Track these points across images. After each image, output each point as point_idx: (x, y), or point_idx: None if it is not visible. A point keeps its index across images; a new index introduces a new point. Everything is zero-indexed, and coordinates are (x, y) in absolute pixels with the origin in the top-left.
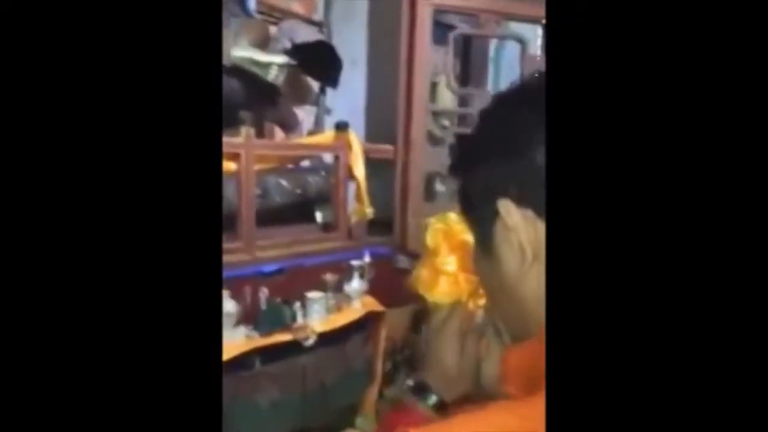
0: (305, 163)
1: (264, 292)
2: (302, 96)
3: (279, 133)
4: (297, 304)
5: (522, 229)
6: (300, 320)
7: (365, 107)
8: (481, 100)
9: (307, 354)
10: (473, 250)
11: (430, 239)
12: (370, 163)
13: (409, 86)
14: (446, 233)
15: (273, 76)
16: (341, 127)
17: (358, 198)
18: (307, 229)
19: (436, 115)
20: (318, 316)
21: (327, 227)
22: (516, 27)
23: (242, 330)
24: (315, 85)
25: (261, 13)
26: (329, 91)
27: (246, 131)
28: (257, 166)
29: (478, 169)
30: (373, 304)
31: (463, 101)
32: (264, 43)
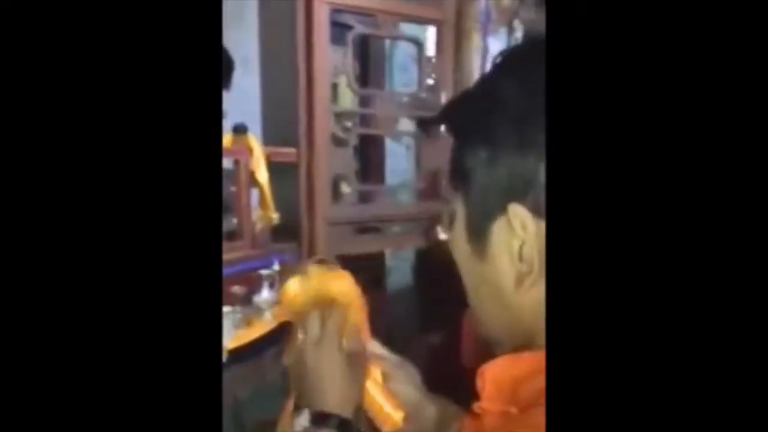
0: None
1: None
2: None
3: None
4: None
5: (532, 242)
6: None
7: (261, 109)
8: (381, 101)
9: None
10: (461, 246)
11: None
12: (271, 168)
13: (310, 87)
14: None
15: None
16: (239, 130)
17: (263, 203)
18: None
19: (338, 116)
20: (227, 333)
21: (230, 236)
22: (410, 28)
23: None
24: None
25: None
26: (223, 93)
27: None
28: None
29: (487, 150)
30: (283, 315)
31: (363, 102)
32: None
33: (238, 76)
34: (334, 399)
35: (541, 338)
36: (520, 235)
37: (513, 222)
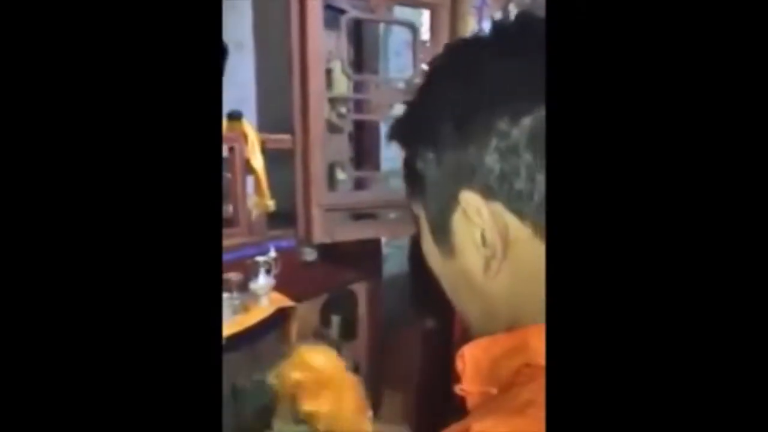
0: None
1: None
2: None
3: None
4: None
5: (490, 226)
6: None
7: (256, 95)
8: (376, 86)
9: None
10: (428, 241)
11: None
12: (267, 154)
13: (304, 73)
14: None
15: None
16: (234, 116)
17: (258, 190)
18: None
19: (333, 101)
20: (224, 319)
21: (226, 223)
22: (404, 12)
23: None
24: None
25: None
26: None
27: None
28: None
29: (433, 150)
30: (281, 300)
31: (357, 88)
32: None
33: (232, 62)
34: None
35: (516, 319)
36: (477, 222)
37: (468, 211)
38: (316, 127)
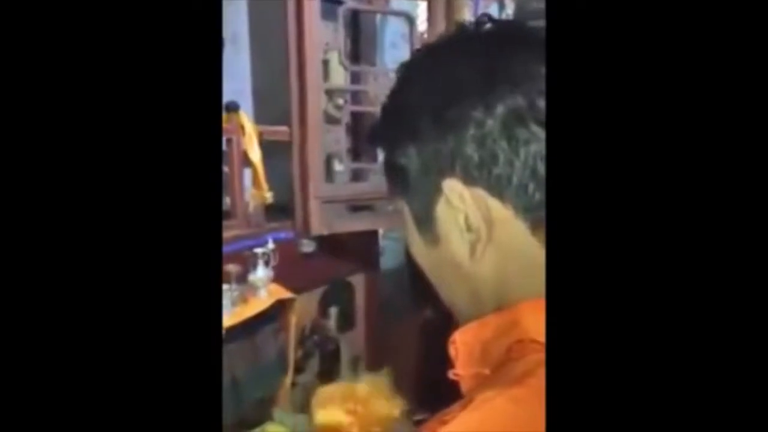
0: None
1: None
2: None
3: None
4: None
5: (473, 210)
6: None
7: (252, 87)
8: (374, 78)
9: None
10: (413, 234)
11: None
12: (264, 146)
13: (301, 64)
14: None
15: None
16: (231, 108)
17: (256, 183)
18: None
19: (330, 93)
20: (224, 310)
21: (225, 216)
22: (401, 3)
23: None
24: None
25: None
26: None
27: None
28: None
29: (410, 144)
30: (280, 292)
31: (354, 78)
32: None
33: (228, 54)
34: None
35: (504, 299)
36: (461, 208)
37: (451, 197)
38: (313, 119)
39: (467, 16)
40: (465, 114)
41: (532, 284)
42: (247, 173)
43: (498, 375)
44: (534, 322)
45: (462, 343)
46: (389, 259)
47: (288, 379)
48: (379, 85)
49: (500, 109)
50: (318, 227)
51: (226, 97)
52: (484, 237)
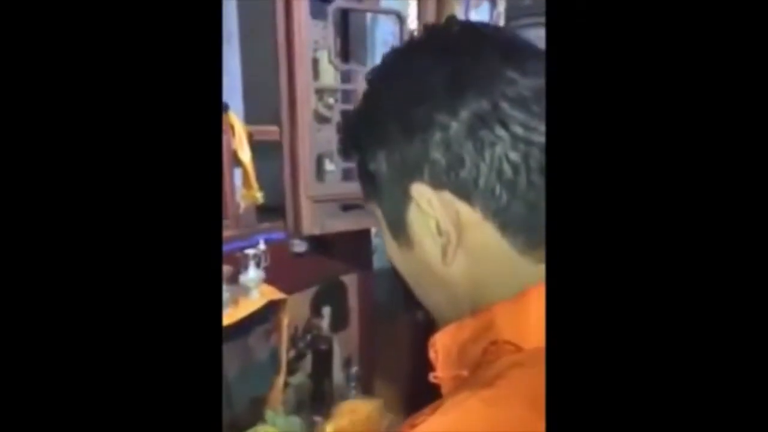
0: None
1: None
2: None
3: None
4: None
5: (442, 214)
6: None
7: (242, 87)
8: (363, 77)
9: None
10: (388, 239)
11: None
12: (255, 146)
13: (290, 64)
14: None
15: None
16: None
17: (246, 183)
18: None
19: (320, 92)
20: None
21: None
22: (391, 2)
23: None
24: None
25: None
26: None
27: None
28: None
29: (379, 149)
30: (272, 293)
31: (345, 77)
32: None
33: None
34: None
35: (478, 301)
36: (430, 213)
37: (420, 202)
38: (304, 118)
39: (458, 13)
40: (430, 118)
41: (506, 285)
42: (238, 173)
43: (473, 377)
44: (508, 323)
45: (441, 346)
46: (382, 258)
47: (281, 380)
48: None
49: (464, 113)
50: (309, 227)
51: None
52: (454, 241)
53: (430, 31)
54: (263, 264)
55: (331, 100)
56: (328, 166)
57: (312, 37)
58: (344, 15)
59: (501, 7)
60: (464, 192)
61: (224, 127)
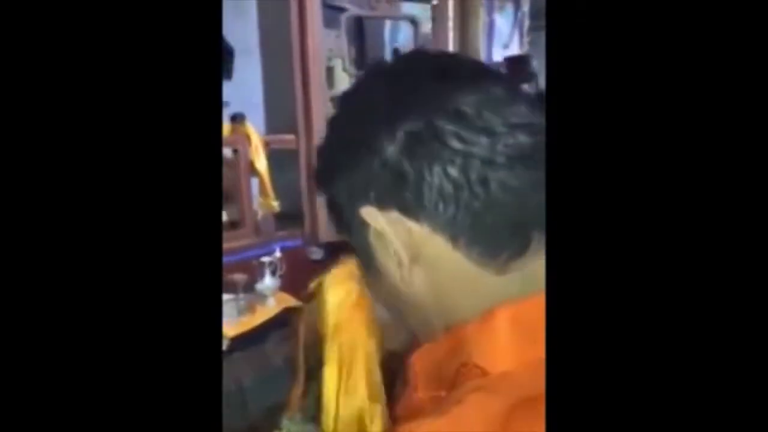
0: None
1: None
2: None
3: None
4: None
5: (391, 233)
6: None
7: (263, 97)
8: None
9: (223, 359)
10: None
11: None
12: (274, 155)
13: (305, 72)
14: None
15: None
16: (237, 119)
17: (263, 191)
18: None
19: (335, 100)
20: (229, 319)
21: (234, 225)
22: (408, 7)
23: None
24: None
25: None
26: (224, 82)
27: None
28: None
29: (337, 179)
30: (288, 300)
31: None
32: None
33: (240, 66)
34: None
35: (448, 318)
36: (384, 234)
37: (374, 225)
38: (318, 126)
39: (482, 18)
40: (369, 141)
41: (469, 298)
42: (255, 183)
43: (443, 401)
44: (476, 345)
45: (419, 366)
46: None
47: (298, 388)
48: None
49: (399, 133)
50: (326, 234)
51: (238, 107)
52: (406, 260)
53: (376, 63)
54: (279, 272)
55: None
56: None
57: (326, 45)
58: (360, 23)
59: (525, 7)
60: (410, 209)
61: (240, 137)
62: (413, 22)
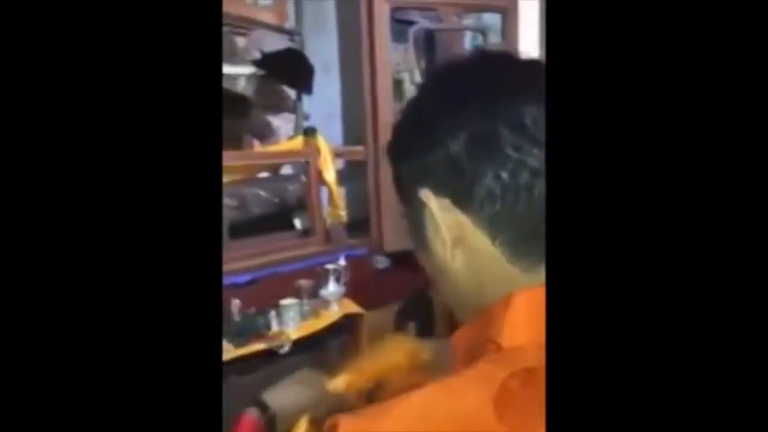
0: (286, 170)
1: (236, 304)
2: (277, 104)
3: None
4: (272, 313)
5: (440, 217)
6: (275, 328)
7: (341, 110)
8: None
9: (284, 361)
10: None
11: None
12: (348, 166)
13: (373, 86)
14: None
15: (241, 87)
16: (309, 132)
17: (331, 201)
18: (286, 236)
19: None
20: (293, 323)
21: (306, 233)
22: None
23: None
24: (291, 92)
25: (226, 25)
26: (305, 97)
27: None
28: (232, 178)
29: (404, 159)
30: (350, 307)
31: None
32: (230, 55)
33: (320, 82)
34: None
35: (482, 303)
36: (436, 215)
37: (429, 204)
38: (385, 138)
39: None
40: (439, 135)
41: (498, 286)
42: (325, 193)
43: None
44: (496, 324)
45: (457, 345)
46: None
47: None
48: None
49: (464, 133)
50: (391, 243)
51: (318, 121)
52: (449, 242)
53: (461, 58)
54: (343, 279)
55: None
56: None
57: (394, 59)
58: (430, 35)
59: None
60: (460, 201)
61: (311, 150)
62: (482, 32)
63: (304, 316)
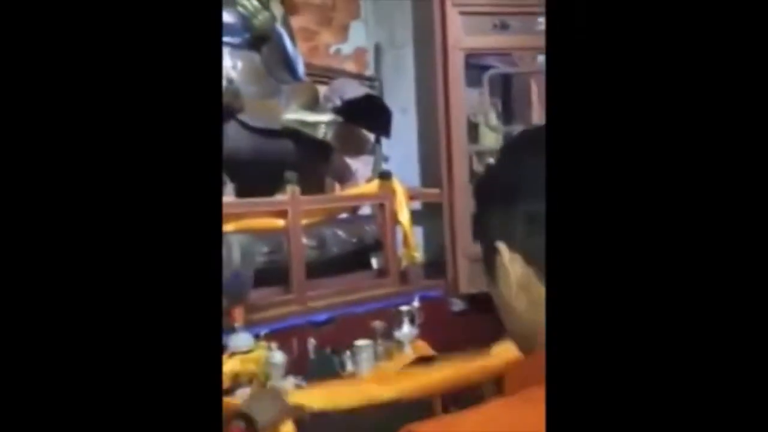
0: (365, 210)
1: (312, 342)
2: (356, 148)
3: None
4: (347, 353)
5: (511, 268)
6: (349, 368)
7: (418, 153)
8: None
9: None
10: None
11: None
12: (425, 207)
13: (448, 129)
14: None
15: (322, 133)
16: (385, 175)
17: (406, 243)
18: (362, 276)
19: (481, 154)
20: (367, 364)
21: (378, 274)
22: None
23: (291, 380)
24: (370, 135)
25: (310, 75)
26: (384, 140)
27: (291, 189)
28: (312, 220)
29: (486, 209)
30: (424, 349)
31: (508, 137)
32: (313, 103)
33: (398, 125)
34: None
35: (535, 339)
36: (507, 263)
37: (503, 254)
38: (460, 180)
39: None
40: (513, 201)
41: None
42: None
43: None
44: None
45: (511, 374)
46: None
47: None
48: None
49: (543, 197)
50: (466, 286)
51: (396, 162)
52: (515, 289)
53: (526, 133)
54: (417, 321)
55: (491, 160)
56: None
57: (468, 103)
58: (507, 78)
59: None
60: (531, 260)
61: (387, 192)
62: None
63: (377, 357)
